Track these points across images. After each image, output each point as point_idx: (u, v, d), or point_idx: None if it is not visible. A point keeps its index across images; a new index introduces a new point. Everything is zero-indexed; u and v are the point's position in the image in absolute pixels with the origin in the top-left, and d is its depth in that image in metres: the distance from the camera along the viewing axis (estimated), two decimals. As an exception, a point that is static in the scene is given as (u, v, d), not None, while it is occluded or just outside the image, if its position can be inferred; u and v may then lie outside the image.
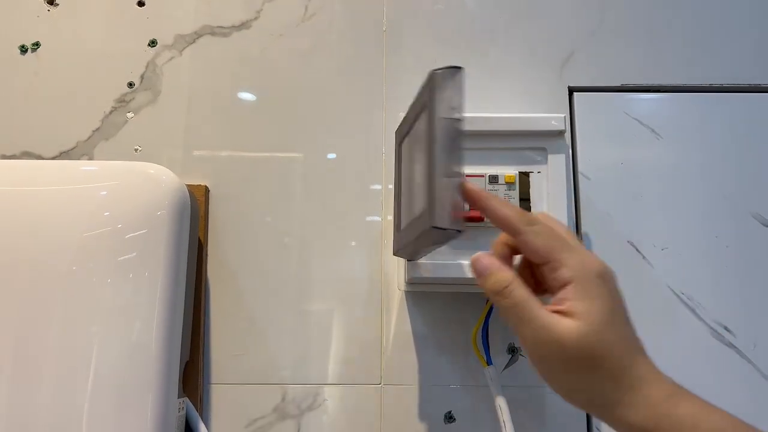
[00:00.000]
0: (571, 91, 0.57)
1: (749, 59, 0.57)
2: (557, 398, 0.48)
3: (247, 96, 0.57)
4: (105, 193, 0.48)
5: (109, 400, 0.44)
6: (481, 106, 0.56)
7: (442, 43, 0.57)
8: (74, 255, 0.46)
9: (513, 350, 0.52)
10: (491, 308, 0.51)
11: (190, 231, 0.49)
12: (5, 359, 0.44)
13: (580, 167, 0.56)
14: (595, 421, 0.51)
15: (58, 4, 0.58)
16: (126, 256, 0.46)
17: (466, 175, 0.48)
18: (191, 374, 0.50)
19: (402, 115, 0.50)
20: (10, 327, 0.45)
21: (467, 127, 0.49)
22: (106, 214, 0.47)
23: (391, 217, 0.54)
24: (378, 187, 0.55)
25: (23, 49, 0.57)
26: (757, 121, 0.56)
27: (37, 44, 0.58)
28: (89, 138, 0.56)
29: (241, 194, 0.55)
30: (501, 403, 0.50)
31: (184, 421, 0.49)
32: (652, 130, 0.56)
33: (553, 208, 0.48)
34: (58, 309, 0.45)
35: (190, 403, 0.50)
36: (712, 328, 0.53)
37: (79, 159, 0.55)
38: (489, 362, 0.51)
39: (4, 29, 0.58)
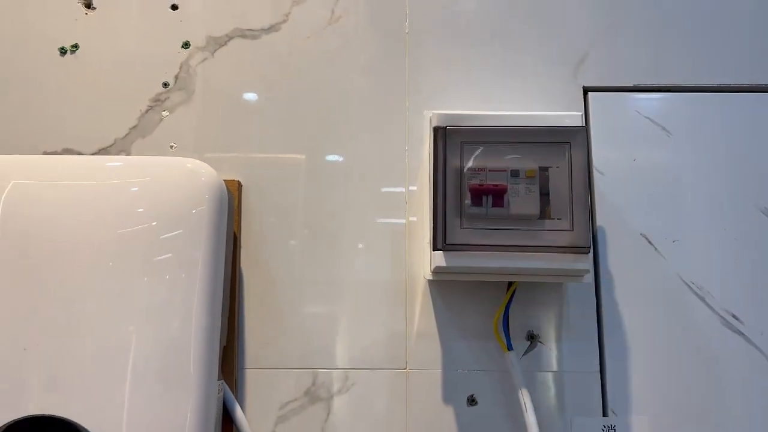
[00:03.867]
0: (586, 90, 0.60)
1: (754, 60, 0.60)
2: (575, 382, 0.51)
3: (276, 95, 0.59)
4: (146, 187, 0.50)
5: (154, 384, 0.46)
6: (502, 106, 0.59)
7: (461, 46, 0.60)
8: (116, 247, 0.48)
9: (532, 337, 0.55)
10: (512, 296, 0.54)
11: (227, 224, 0.51)
12: (48, 349, 0.47)
13: (595, 163, 0.58)
14: (610, 402, 0.54)
15: (95, 8, 0.61)
16: (170, 245, 0.48)
17: (489, 170, 0.51)
18: (227, 359, 0.53)
19: (427, 113, 0.53)
20: (52, 315, 0.47)
21: (494, 123, 0.52)
22: (148, 206, 0.49)
23: (413, 218, 0.57)
24: (401, 189, 0.58)
25: (63, 51, 0.60)
26: (762, 119, 0.59)
27: (75, 46, 0.60)
28: (126, 135, 0.59)
29: (272, 189, 0.57)
30: (522, 387, 0.52)
31: (222, 403, 0.51)
32: (663, 128, 0.59)
33: (578, 205, 0.50)
34: (101, 298, 0.48)
35: (227, 386, 0.52)
36: (721, 316, 0.56)
37: (116, 155, 0.58)
38: (510, 348, 0.54)
39: (45, 32, 0.60)
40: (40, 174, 0.52)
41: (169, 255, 0.48)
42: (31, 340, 0.46)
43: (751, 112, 0.59)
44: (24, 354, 0.46)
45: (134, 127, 0.59)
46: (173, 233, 0.49)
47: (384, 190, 0.58)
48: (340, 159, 0.58)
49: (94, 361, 0.46)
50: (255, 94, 0.60)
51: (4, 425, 0.44)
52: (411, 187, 0.58)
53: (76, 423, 0.44)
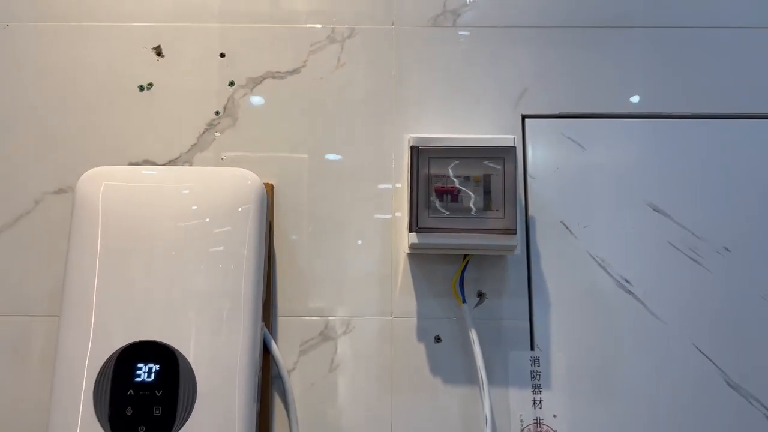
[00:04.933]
0: (524, 117, 0.82)
1: (649, 93, 0.82)
2: (511, 327, 0.73)
3: (297, 119, 0.81)
4: (205, 189, 0.72)
5: (220, 324, 0.68)
6: (461, 129, 0.81)
7: (434, 84, 0.82)
8: (190, 232, 0.70)
9: (480, 294, 0.77)
10: (466, 265, 0.76)
11: (266, 216, 0.73)
12: (148, 299, 0.68)
13: (529, 170, 0.80)
14: (536, 340, 0.76)
15: (164, 56, 0.83)
16: (224, 229, 0.70)
17: (449, 176, 0.73)
18: (266, 309, 0.75)
19: (407, 136, 0.75)
20: (147, 278, 0.69)
21: (453, 144, 0.74)
22: (207, 204, 0.71)
23: (398, 214, 0.79)
24: (388, 185, 0.80)
25: (141, 88, 0.82)
26: (651, 139, 0.81)
27: (150, 84, 0.82)
28: (189, 150, 0.81)
29: (294, 188, 0.79)
30: (472, 329, 0.75)
31: (262, 339, 0.73)
32: (579, 145, 0.81)
33: (509, 201, 0.72)
34: (177, 264, 0.69)
35: (266, 328, 0.74)
36: (617, 280, 0.78)
37: (182, 165, 0.80)
38: (464, 301, 0.76)
39: (127, 74, 0.82)
40: (126, 178, 0.73)
41: (229, 228, 0.70)
42: (136, 294, 0.68)
43: (642, 133, 0.81)
44: (132, 302, 0.68)
45: (194, 144, 0.81)
46: (232, 218, 0.71)
47: (378, 186, 0.80)
48: (341, 160, 0.80)
49: (179, 307, 0.68)
50: (283, 119, 0.82)
51: (120, 347, 0.66)
52: (397, 184, 0.80)
53: (169, 345, 0.66)
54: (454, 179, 0.73)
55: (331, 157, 0.81)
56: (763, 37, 0.83)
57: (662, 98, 0.82)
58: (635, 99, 0.82)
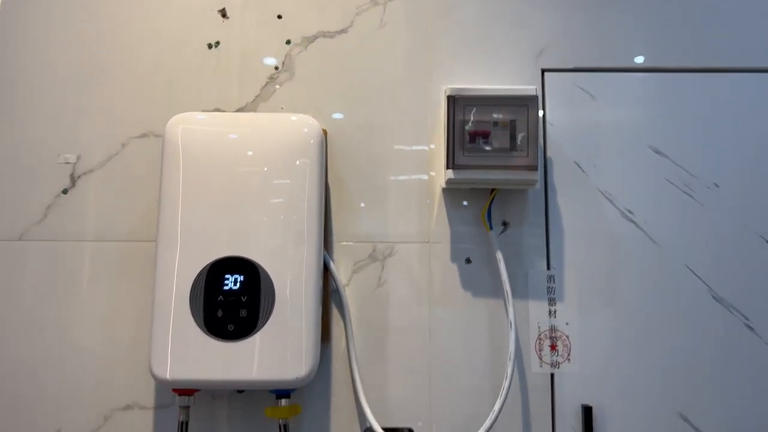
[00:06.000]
0: (543, 71, 0.94)
1: (652, 48, 0.94)
2: (530, 249, 0.87)
3: (345, 74, 0.94)
4: (271, 132, 0.85)
5: (292, 246, 0.81)
6: (490, 81, 0.93)
7: (465, 43, 0.94)
8: (262, 167, 0.83)
9: (505, 223, 0.91)
10: (493, 198, 0.89)
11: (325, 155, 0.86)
12: (230, 224, 0.82)
13: (548, 117, 0.93)
14: (552, 260, 0.90)
15: (229, 18, 0.95)
16: (291, 164, 0.83)
17: (480, 121, 0.85)
18: (324, 235, 0.89)
19: (443, 87, 0.88)
20: (226, 207, 0.82)
21: (484, 93, 0.86)
22: (276, 142, 0.84)
23: (433, 145, 0.92)
24: (426, 130, 0.92)
25: (209, 46, 0.94)
26: (653, 90, 0.93)
27: (218, 43, 0.94)
28: (253, 100, 0.93)
29: (346, 134, 0.92)
30: (498, 251, 0.89)
31: (323, 260, 0.87)
32: (590, 95, 0.93)
33: (531, 142, 0.85)
34: (251, 197, 0.82)
35: (326, 251, 0.88)
36: (621, 211, 0.91)
37: (247, 112, 0.93)
38: (491, 228, 0.89)
39: (197, 34, 0.94)
40: (201, 123, 0.86)
41: (296, 163, 0.83)
42: (220, 220, 0.82)
43: (646, 85, 0.93)
44: (217, 226, 0.81)
45: (258, 95, 0.94)
46: (297, 156, 0.83)
47: (417, 131, 0.93)
48: (384, 109, 0.93)
49: (258, 229, 0.81)
50: (333, 72, 0.94)
51: (210, 262, 0.80)
52: (432, 130, 0.93)
53: (251, 259, 0.80)
54: (485, 123, 0.86)
55: (374, 106, 0.93)
56: None
57: (665, 54, 0.94)
58: (640, 59, 0.94)
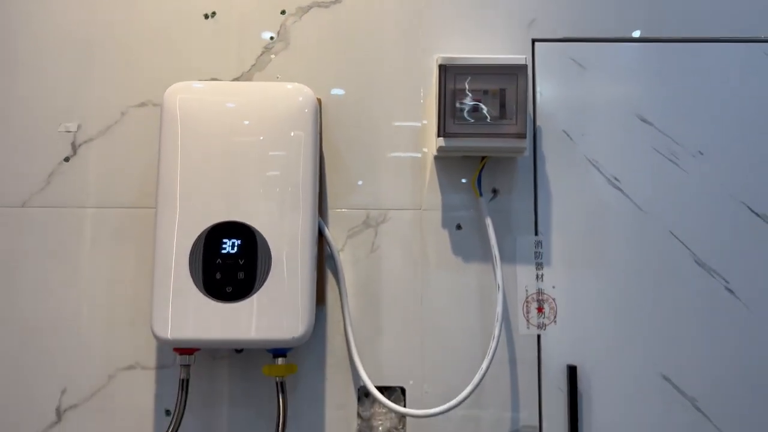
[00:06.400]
0: (534, 41, 0.96)
1: (634, 18, 0.96)
2: (519, 215, 0.89)
3: (339, 44, 0.96)
4: (265, 100, 0.87)
5: (289, 211, 0.84)
6: (481, 51, 0.95)
7: (458, 16, 0.96)
8: (258, 134, 0.85)
9: (494, 190, 0.93)
10: (483, 165, 0.92)
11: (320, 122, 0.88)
12: (227, 186, 0.84)
13: (538, 87, 0.95)
14: (539, 226, 0.93)
15: (224, -12, 0.96)
16: (286, 132, 0.85)
17: (471, 90, 0.87)
18: (319, 202, 0.91)
19: (435, 56, 0.89)
20: (222, 171, 0.85)
21: (474, 62, 0.88)
22: (269, 109, 0.86)
23: (425, 121, 0.94)
24: (418, 100, 0.95)
25: (206, 16, 0.96)
26: (637, 60, 0.95)
27: (214, 13, 0.96)
28: (249, 70, 0.95)
29: (340, 103, 0.94)
30: (487, 217, 0.91)
31: (318, 226, 0.90)
32: (579, 65, 0.95)
33: (520, 110, 0.87)
34: (246, 156, 0.85)
35: (320, 218, 0.91)
36: (607, 178, 0.94)
37: (243, 81, 0.95)
38: (481, 195, 0.92)
39: (194, 4, 0.96)
40: (198, 92, 0.88)
41: (291, 131, 0.85)
42: (218, 186, 0.84)
43: (633, 55, 0.95)
44: (215, 192, 0.84)
45: (254, 65, 0.95)
46: (292, 123, 0.86)
47: (409, 100, 0.95)
48: (377, 77, 0.95)
49: (254, 195, 0.84)
50: (327, 42, 0.96)
51: (209, 226, 0.83)
52: (424, 99, 0.95)
53: (248, 223, 0.83)
54: (475, 92, 0.88)
55: (367, 75, 0.95)
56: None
57: (654, 25, 0.96)
58: (629, 30, 0.96)
